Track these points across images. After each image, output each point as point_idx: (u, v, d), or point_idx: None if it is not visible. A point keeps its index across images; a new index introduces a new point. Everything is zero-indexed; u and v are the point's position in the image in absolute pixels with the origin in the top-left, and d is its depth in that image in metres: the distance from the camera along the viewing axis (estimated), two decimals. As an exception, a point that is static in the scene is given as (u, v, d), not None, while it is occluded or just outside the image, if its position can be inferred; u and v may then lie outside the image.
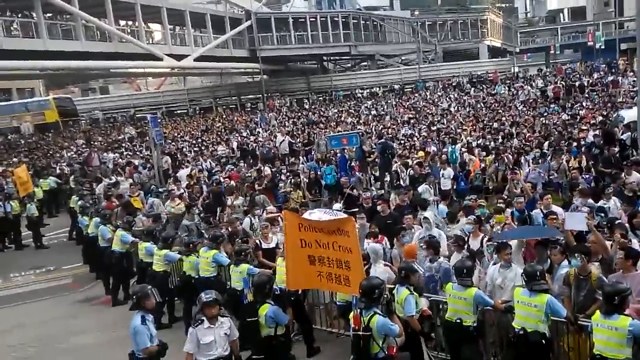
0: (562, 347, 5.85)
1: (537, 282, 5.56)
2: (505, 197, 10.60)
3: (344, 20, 43.99)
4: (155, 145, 17.93)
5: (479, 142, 17.86)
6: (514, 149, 15.60)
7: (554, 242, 6.96)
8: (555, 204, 9.32)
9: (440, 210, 10.02)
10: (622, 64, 34.43)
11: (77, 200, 14.45)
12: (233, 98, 48.58)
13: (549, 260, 6.82)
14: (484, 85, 36.56)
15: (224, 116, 40.42)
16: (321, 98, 44.84)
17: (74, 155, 25.73)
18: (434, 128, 22.20)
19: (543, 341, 5.50)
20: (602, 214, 8.31)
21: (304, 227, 5.95)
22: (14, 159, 25.32)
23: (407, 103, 34.33)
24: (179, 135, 31.82)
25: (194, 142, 27.70)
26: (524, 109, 25.91)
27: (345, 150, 15.97)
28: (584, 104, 24.46)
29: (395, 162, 15.04)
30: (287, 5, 55.68)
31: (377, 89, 44.51)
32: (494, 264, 6.82)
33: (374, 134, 21.55)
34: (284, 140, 21.35)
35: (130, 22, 35.71)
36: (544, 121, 21.16)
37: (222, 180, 15.06)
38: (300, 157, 19.40)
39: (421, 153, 16.37)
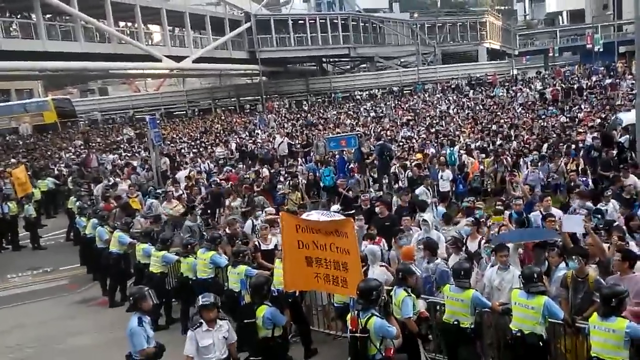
0: (559, 349, 5.85)
1: (535, 284, 5.56)
2: (504, 199, 10.61)
3: (343, 22, 44.06)
4: (153, 146, 17.88)
5: (477, 144, 17.82)
6: (513, 151, 15.57)
7: (551, 245, 6.98)
8: (553, 205, 9.33)
9: (439, 213, 10.02)
10: (621, 67, 34.44)
11: (75, 201, 14.41)
12: (232, 99, 48.65)
13: (546, 263, 6.84)
14: (482, 88, 36.61)
15: (223, 117, 40.42)
16: (320, 100, 44.87)
17: (73, 156, 25.65)
18: (432, 130, 22.16)
19: (540, 343, 5.49)
20: (599, 216, 8.31)
21: (302, 228, 5.94)
22: (12, 160, 25.24)
23: (406, 105, 34.33)
24: (177, 137, 31.73)
25: (193, 143, 27.64)
26: (523, 111, 25.90)
27: (344, 152, 15.97)
28: (582, 106, 24.41)
29: (394, 164, 15.04)
30: (286, 7, 55.85)
31: (376, 90, 44.59)
32: (492, 265, 6.83)
33: (373, 136, 21.53)
34: (282, 141, 21.30)
35: (129, 24, 35.79)
36: (542, 124, 21.13)
37: (219, 181, 15.07)
38: (299, 159, 19.41)
39: (420, 155, 16.35)
